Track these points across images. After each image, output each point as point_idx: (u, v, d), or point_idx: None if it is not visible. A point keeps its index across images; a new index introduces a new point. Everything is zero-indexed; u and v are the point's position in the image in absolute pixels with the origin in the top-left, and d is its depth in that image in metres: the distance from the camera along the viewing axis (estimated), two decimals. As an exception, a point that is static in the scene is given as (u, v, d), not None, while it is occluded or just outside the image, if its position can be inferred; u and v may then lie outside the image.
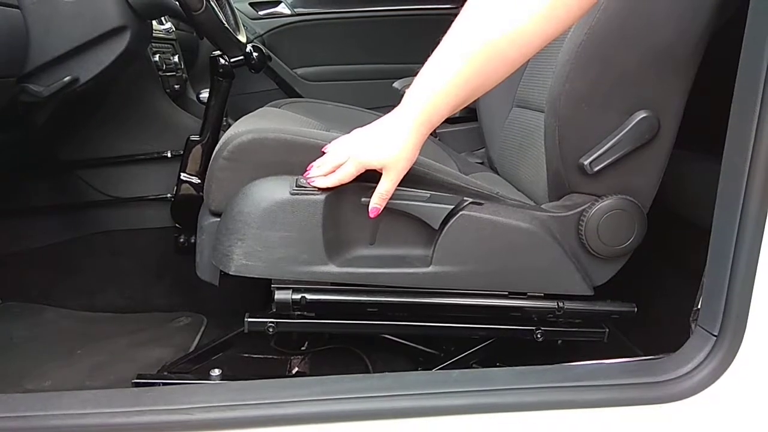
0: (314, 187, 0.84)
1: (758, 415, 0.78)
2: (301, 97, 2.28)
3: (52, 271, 1.63)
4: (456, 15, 0.79)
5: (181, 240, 1.67)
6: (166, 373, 1.16)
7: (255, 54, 1.65)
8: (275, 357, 1.21)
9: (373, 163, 0.81)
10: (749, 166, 0.69)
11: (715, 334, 0.75)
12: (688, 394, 0.76)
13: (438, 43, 0.79)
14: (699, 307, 0.79)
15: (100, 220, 1.71)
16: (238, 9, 1.74)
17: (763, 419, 0.78)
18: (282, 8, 2.40)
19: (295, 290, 0.90)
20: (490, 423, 0.76)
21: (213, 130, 1.64)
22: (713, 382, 0.75)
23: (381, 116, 0.83)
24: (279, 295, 0.90)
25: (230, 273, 0.86)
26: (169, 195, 1.67)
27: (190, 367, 1.19)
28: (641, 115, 0.89)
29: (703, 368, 0.75)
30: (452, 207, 0.87)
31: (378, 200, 0.84)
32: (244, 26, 1.72)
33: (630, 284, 0.97)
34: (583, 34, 0.87)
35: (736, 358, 0.75)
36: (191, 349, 1.36)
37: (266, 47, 2.16)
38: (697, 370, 0.75)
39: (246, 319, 0.95)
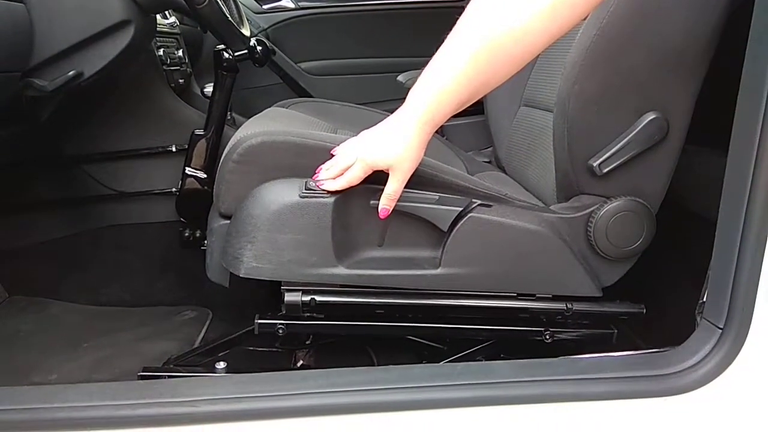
0: (323, 189, 0.84)
1: (764, 408, 0.78)
2: (305, 90, 2.28)
3: (58, 265, 1.64)
4: (460, 8, 0.79)
5: (186, 234, 1.67)
6: (171, 366, 1.17)
7: (259, 48, 1.65)
8: (280, 350, 1.21)
9: (379, 164, 0.82)
10: (755, 159, 0.69)
11: (721, 326, 0.75)
12: (693, 386, 0.76)
13: (442, 40, 0.79)
14: (704, 299, 0.79)
15: (105, 215, 1.72)
16: (242, 3, 1.74)
17: (769, 412, 0.78)
18: (286, 2, 2.40)
19: (305, 292, 0.90)
20: (494, 416, 0.76)
21: (217, 124, 1.64)
22: (718, 375, 0.75)
23: (389, 115, 0.83)
24: (289, 297, 0.90)
25: (240, 275, 0.87)
26: (174, 189, 1.68)
27: (196, 360, 1.19)
28: (650, 116, 0.88)
29: (708, 361, 0.75)
30: (461, 209, 0.87)
31: (387, 201, 0.84)
32: (248, 20, 1.72)
33: (636, 278, 0.96)
34: (592, 36, 0.86)
35: (742, 350, 0.74)
36: (196, 343, 1.36)
37: (270, 41, 2.16)
38: (703, 362, 0.75)
39: (256, 321, 0.96)
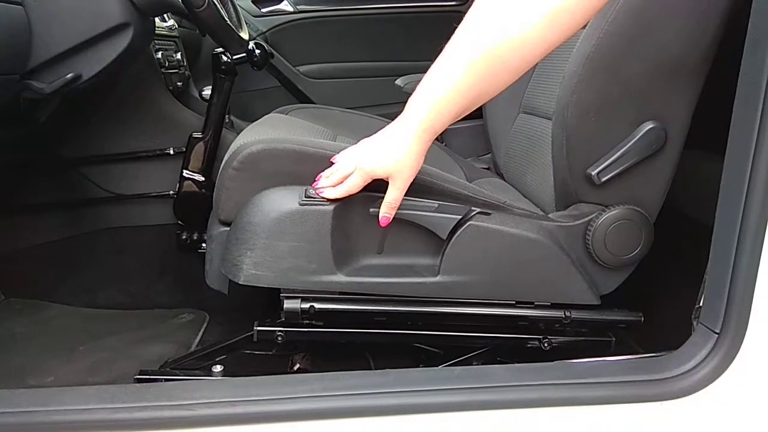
0: (323, 197, 0.84)
1: (760, 413, 0.78)
2: (303, 94, 2.28)
3: (55, 267, 1.63)
4: (459, 12, 0.79)
5: (184, 237, 1.67)
6: (168, 369, 1.17)
7: (257, 51, 1.65)
8: (277, 353, 1.21)
9: (378, 172, 0.82)
10: (751, 163, 0.69)
11: (717, 331, 0.75)
12: (689, 391, 0.76)
13: (442, 45, 0.79)
14: (701, 304, 0.79)
15: (102, 217, 1.72)
16: (240, 6, 1.74)
17: (766, 416, 0.78)
18: (284, 5, 2.39)
19: (304, 299, 0.90)
20: (491, 420, 0.76)
21: (215, 127, 1.64)
22: (715, 380, 0.75)
23: (388, 122, 0.83)
24: (288, 305, 0.90)
25: (239, 282, 0.87)
26: (171, 192, 1.67)
27: (192, 363, 1.19)
28: (648, 126, 0.88)
29: (704, 365, 0.75)
30: (460, 217, 0.88)
31: (387, 209, 0.84)
32: (246, 23, 1.72)
33: (633, 283, 0.97)
34: (591, 46, 0.86)
35: (738, 355, 0.74)
36: (193, 346, 1.36)
37: (269, 45, 2.16)
38: (699, 367, 0.75)
39: (255, 328, 0.96)
